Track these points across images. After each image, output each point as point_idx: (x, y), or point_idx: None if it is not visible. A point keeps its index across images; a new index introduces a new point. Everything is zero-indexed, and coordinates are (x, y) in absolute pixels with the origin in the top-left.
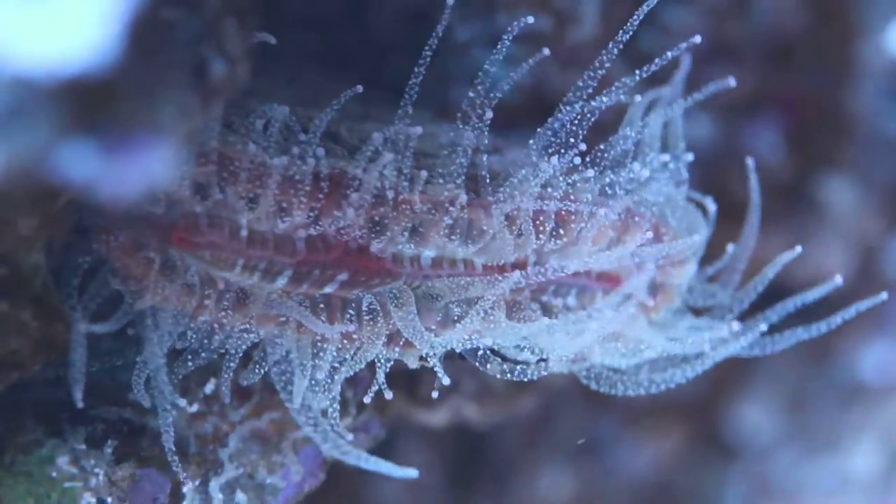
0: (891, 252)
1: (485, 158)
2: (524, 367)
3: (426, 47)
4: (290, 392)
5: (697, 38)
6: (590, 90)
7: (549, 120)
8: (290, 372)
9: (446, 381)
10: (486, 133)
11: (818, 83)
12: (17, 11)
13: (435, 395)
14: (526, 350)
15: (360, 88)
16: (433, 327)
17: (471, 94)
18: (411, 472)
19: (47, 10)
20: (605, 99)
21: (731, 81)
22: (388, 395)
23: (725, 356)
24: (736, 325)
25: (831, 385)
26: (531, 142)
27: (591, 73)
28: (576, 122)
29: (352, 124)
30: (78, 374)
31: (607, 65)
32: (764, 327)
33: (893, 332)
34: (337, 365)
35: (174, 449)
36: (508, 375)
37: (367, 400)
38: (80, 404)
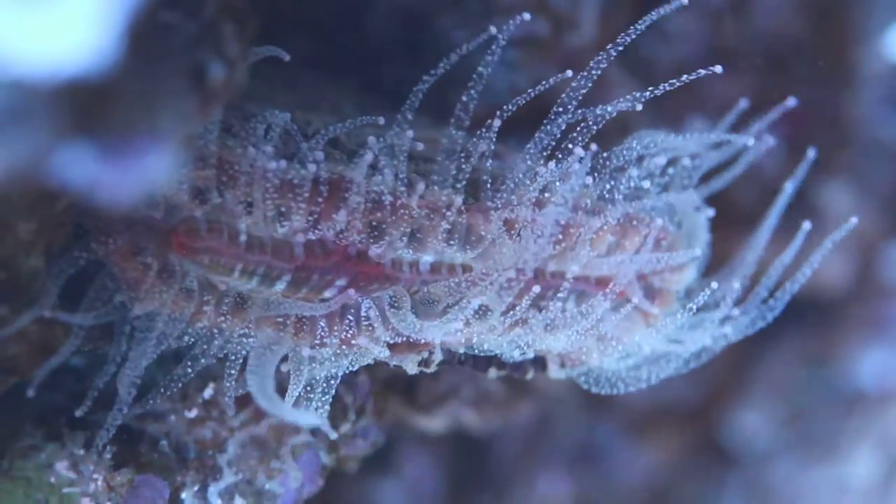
0: (889, 258)
1: (489, 164)
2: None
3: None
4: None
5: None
6: (583, 90)
7: (547, 124)
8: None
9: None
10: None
11: (817, 89)
12: (15, 14)
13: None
14: (521, 350)
15: (381, 120)
16: None
17: (464, 99)
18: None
19: (46, 12)
20: (609, 108)
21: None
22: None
23: (726, 343)
24: (735, 312)
25: (830, 392)
26: (529, 146)
27: (587, 75)
28: (577, 130)
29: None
30: (51, 368)
31: (603, 65)
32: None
33: (892, 339)
34: (334, 370)
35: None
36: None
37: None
38: (31, 393)
